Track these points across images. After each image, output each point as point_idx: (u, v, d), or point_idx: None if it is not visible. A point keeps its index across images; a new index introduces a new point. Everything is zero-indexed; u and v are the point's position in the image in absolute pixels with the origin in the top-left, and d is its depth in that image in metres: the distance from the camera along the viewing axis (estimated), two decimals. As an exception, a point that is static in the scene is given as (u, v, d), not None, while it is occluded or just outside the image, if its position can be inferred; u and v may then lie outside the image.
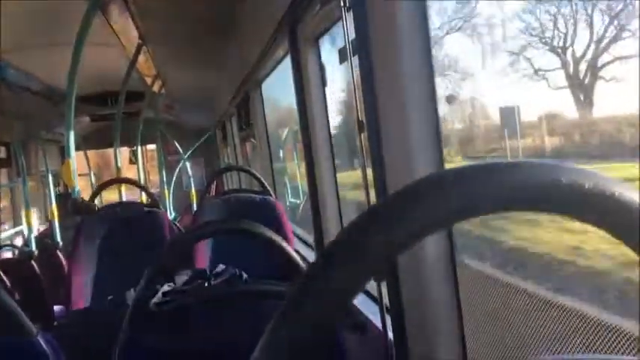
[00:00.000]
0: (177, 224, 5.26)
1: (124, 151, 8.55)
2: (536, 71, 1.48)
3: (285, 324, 0.40)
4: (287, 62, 2.85)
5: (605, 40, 1.26)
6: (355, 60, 1.79)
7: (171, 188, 8.49)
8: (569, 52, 1.41)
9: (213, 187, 5.46)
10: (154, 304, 1.35)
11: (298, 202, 5.25)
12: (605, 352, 1.07)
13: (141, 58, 4.91)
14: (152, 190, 4.99)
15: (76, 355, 1.60)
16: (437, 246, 1.53)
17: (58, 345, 1.24)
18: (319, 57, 2.65)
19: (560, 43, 1.41)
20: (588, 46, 1.33)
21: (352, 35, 1.82)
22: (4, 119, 5.56)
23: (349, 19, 1.81)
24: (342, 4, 1.83)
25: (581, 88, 1.38)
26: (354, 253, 0.40)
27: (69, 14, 3.53)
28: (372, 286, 1.96)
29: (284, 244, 1.44)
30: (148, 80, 6.12)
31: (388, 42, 1.51)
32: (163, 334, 1.36)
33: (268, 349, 0.40)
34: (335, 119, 2.80)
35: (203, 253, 3.26)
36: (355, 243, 0.41)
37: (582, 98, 1.40)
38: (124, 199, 5.76)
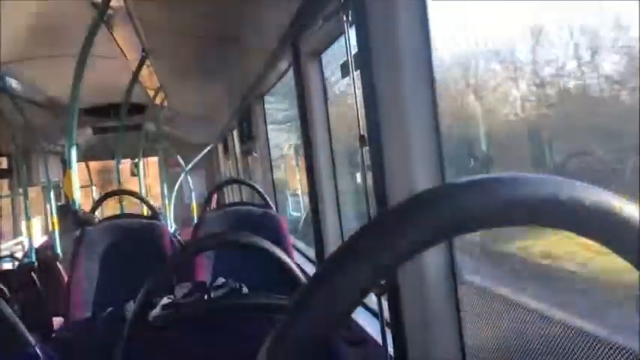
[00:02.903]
0: (178, 237, 5.25)
1: (126, 164, 8.56)
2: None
3: (284, 336, 0.40)
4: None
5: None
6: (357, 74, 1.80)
7: (172, 201, 8.49)
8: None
9: (214, 199, 5.46)
10: (153, 316, 1.35)
11: (299, 215, 5.25)
12: None
13: (144, 70, 4.94)
14: (153, 203, 4.99)
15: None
16: (438, 261, 1.52)
17: (57, 357, 1.24)
18: (321, 71, 2.67)
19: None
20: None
21: (354, 50, 1.83)
22: (6, 130, 5.57)
23: (351, 33, 1.82)
24: (344, 19, 1.85)
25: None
26: (354, 265, 0.40)
27: (72, 26, 3.56)
28: (372, 300, 1.95)
29: (285, 257, 1.43)
30: (151, 93, 6.15)
31: (390, 56, 1.52)
32: (162, 347, 1.35)
33: None
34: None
35: (203, 266, 3.25)
36: (356, 254, 0.41)
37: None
38: (125, 211, 5.77)
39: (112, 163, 7.42)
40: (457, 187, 0.43)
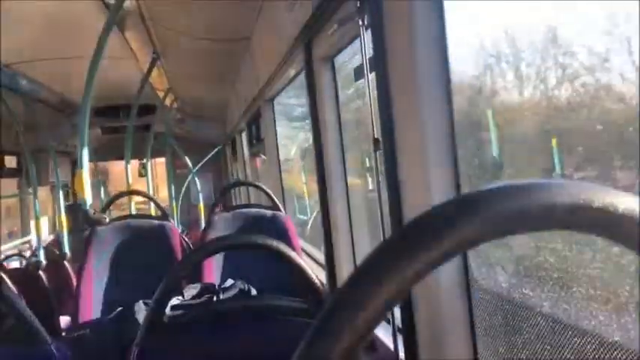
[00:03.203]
0: (185, 238, 5.26)
1: (134, 164, 8.59)
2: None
3: (310, 352, 0.40)
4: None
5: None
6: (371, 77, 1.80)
7: (179, 202, 8.51)
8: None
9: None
10: (167, 317, 1.35)
11: (306, 218, 5.26)
12: None
13: (154, 72, 4.96)
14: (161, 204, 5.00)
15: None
16: (451, 265, 1.52)
17: (70, 355, 1.24)
18: (334, 75, 2.67)
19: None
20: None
21: (369, 53, 1.83)
22: (16, 130, 5.61)
23: (367, 37, 1.82)
24: (360, 22, 1.85)
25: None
26: (380, 281, 0.41)
27: (84, 27, 3.57)
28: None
29: (299, 260, 1.43)
30: (161, 94, 6.17)
31: (406, 60, 1.51)
32: (176, 348, 1.35)
33: None
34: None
35: (211, 267, 3.25)
36: (381, 270, 0.41)
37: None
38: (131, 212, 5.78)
39: (120, 163, 7.44)
40: (480, 195, 0.43)
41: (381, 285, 0.41)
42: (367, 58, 1.86)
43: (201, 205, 8.49)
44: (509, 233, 0.44)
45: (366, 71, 1.86)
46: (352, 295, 0.41)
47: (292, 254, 1.42)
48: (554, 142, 1.40)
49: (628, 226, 0.43)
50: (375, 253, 0.42)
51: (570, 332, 1.15)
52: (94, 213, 3.22)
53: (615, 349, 1.04)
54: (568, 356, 1.13)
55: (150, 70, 4.76)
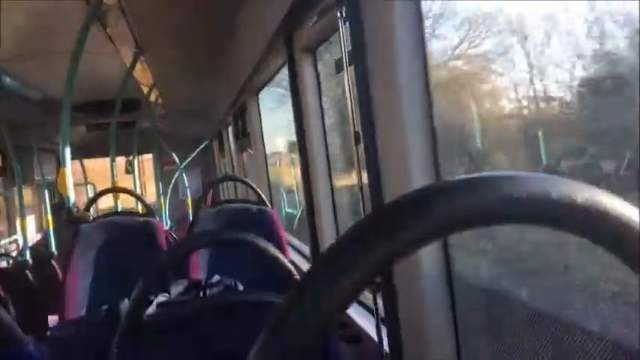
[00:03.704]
0: (174, 234, 5.24)
1: (120, 161, 8.54)
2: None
3: (278, 333, 0.40)
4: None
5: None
6: (351, 71, 1.80)
7: (168, 198, 8.48)
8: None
9: (210, 197, 5.45)
10: (147, 315, 1.34)
11: (295, 212, 5.25)
12: None
13: (138, 67, 4.91)
14: (149, 201, 4.97)
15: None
16: (433, 257, 1.52)
17: (51, 355, 1.23)
18: (316, 67, 2.66)
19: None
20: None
21: (349, 46, 1.82)
22: (0, 128, 5.55)
23: (346, 30, 1.81)
24: (339, 15, 1.84)
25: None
26: (348, 261, 0.40)
27: (65, 23, 3.53)
28: (368, 298, 1.95)
29: (278, 254, 1.43)
30: (145, 89, 6.12)
31: (384, 53, 1.51)
32: (158, 346, 1.35)
33: (260, 358, 0.40)
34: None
35: (198, 263, 3.24)
36: (349, 251, 0.41)
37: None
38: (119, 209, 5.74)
39: (105, 161, 7.39)
40: (455, 183, 0.43)
41: (348, 268, 0.40)
42: (347, 50, 1.86)
43: (189, 200, 8.46)
44: (483, 224, 0.43)
45: (345, 64, 1.86)
46: (320, 276, 0.40)
47: (271, 249, 1.41)
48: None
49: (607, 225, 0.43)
50: (343, 236, 0.42)
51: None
52: (77, 211, 3.19)
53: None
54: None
55: (133, 66, 4.72)
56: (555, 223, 0.44)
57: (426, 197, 0.42)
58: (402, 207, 0.42)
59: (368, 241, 0.40)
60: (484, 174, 0.44)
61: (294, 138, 2.73)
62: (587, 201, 0.43)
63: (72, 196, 2.95)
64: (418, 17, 1.48)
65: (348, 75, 1.85)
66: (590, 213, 0.43)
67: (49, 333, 2.07)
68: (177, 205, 9.06)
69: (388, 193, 1.56)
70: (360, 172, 1.83)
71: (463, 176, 0.43)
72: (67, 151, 3.02)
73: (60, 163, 3.26)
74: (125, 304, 2.82)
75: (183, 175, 9.06)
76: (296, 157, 5.11)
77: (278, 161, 5.72)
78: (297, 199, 5.26)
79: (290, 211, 5.43)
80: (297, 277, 1.47)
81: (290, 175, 5.56)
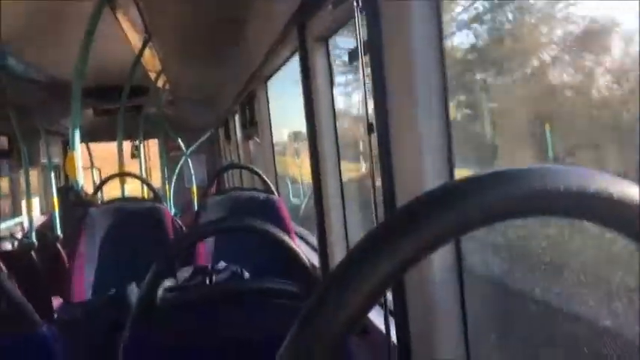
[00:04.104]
0: (179, 220, 5.25)
1: (125, 146, 8.54)
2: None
3: (302, 336, 0.40)
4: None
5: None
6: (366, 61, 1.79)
7: (173, 184, 8.48)
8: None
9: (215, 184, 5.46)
10: (159, 299, 1.34)
11: (299, 202, 5.25)
12: None
13: (146, 52, 4.90)
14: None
15: (77, 348, 1.59)
16: (443, 250, 1.52)
17: (62, 337, 1.24)
18: (328, 57, 2.65)
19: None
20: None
21: (364, 36, 1.81)
22: (7, 110, 5.55)
23: (362, 19, 1.80)
24: (355, 3, 1.82)
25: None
26: (372, 265, 0.40)
27: (75, 6, 3.52)
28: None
29: (292, 243, 1.43)
30: (153, 75, 6.11)
31: (400, 43, 1.50)
32: (169, 331, 1.35)
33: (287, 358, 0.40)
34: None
35: (204, 250, 3.25)
36: (373, 255, 0.41)
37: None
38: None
39: (111, 145, 7.39)
40: (471, 181, 0.43)
41: (374, 269, 0.40)
42: (362, 40, 1.84)
43: (194, 187, 8.47)
44: (500, 220, 0.43)
45: (360, 54, 1.85)
46: (345, 280, 0.40)
47: (283, 237, 1.41)
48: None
49: (627, 213, 0.43)
50: (368, 238, 0.42)
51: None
52: (85, 195, 3.20)
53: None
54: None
55: (142, 51, 4.71)
56: (578, 215, 0.44)
57: (443, 198, 0.42)
58: (430, 201, 0.42)
59: (394, 240, 0.41)
60: (496, 170, 0.44)
61: (296, 128, 2.72)
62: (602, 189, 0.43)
63: (81, 180, 2.96)
64: (436, 7, 1.47)
65: (362, 65, 1.84)
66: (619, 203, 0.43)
67: (56, 315, 2.09)
68: (181, 192, 9.06)
69: (400, 185, 1.56)
70: (372, 163, 1.83)
71: (476, 174, 0.43)
72: (77, 135, 3.03)
73: (68, 146, 3.26)
74: (132, 288, 2.84)
75: (189, 161, 9.06)
76: (299, 146, 5.12)
77: (283, 150, 5.71)
78: (301, 189, 5.26)
79: (294, 200, 5.44)
80: (309, 266, 1.47)
81: (295, 165, 5.56)
